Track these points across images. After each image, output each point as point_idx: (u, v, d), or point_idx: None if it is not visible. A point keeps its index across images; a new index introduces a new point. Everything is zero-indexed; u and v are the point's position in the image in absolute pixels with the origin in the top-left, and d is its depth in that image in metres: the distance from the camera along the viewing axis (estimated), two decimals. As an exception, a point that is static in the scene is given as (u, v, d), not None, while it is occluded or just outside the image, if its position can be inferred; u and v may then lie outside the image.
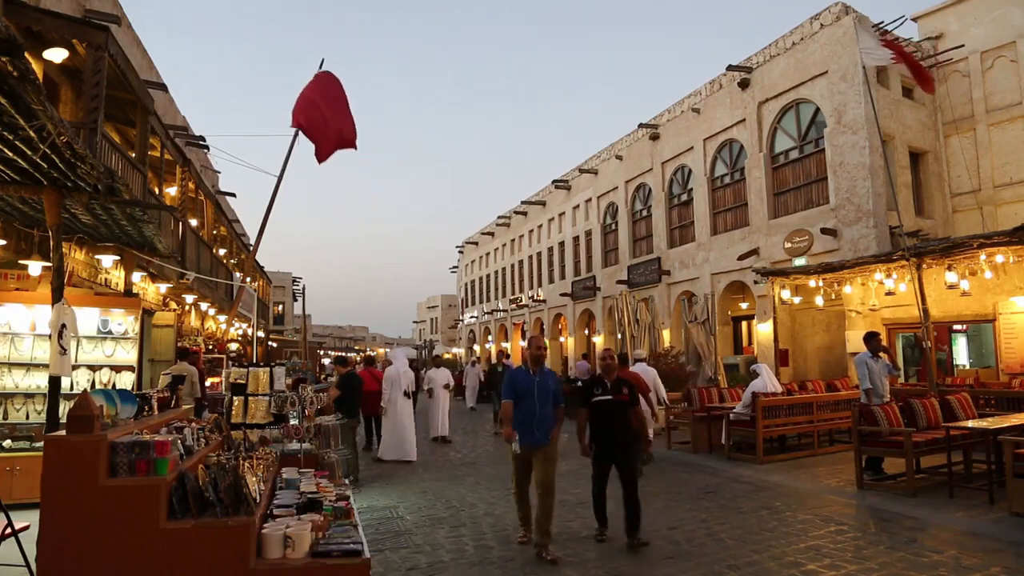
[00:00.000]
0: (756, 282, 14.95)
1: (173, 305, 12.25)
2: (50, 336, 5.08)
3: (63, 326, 5.04)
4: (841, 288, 12.61)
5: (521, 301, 30.94)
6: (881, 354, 8.56)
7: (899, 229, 11.45)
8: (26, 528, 4.10)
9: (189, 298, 12.72)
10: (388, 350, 15.81)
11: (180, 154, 12.13)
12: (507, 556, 5.31)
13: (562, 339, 27.83)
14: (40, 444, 5.73)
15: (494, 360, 27.34)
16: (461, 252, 42.28)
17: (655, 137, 20.20)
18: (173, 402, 4.68)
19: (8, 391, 7.14)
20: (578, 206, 25.76)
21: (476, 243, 38.74)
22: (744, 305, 17.61)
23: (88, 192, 5.02)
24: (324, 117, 10.24)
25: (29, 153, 4.19)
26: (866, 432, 7.67)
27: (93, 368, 7.57)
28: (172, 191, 12.33)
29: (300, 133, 10.76)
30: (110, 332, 7.72)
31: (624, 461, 5.63)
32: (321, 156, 10.36)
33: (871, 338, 8.59)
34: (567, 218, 26.79)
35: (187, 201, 12.78)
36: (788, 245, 14.92)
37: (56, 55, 7.78)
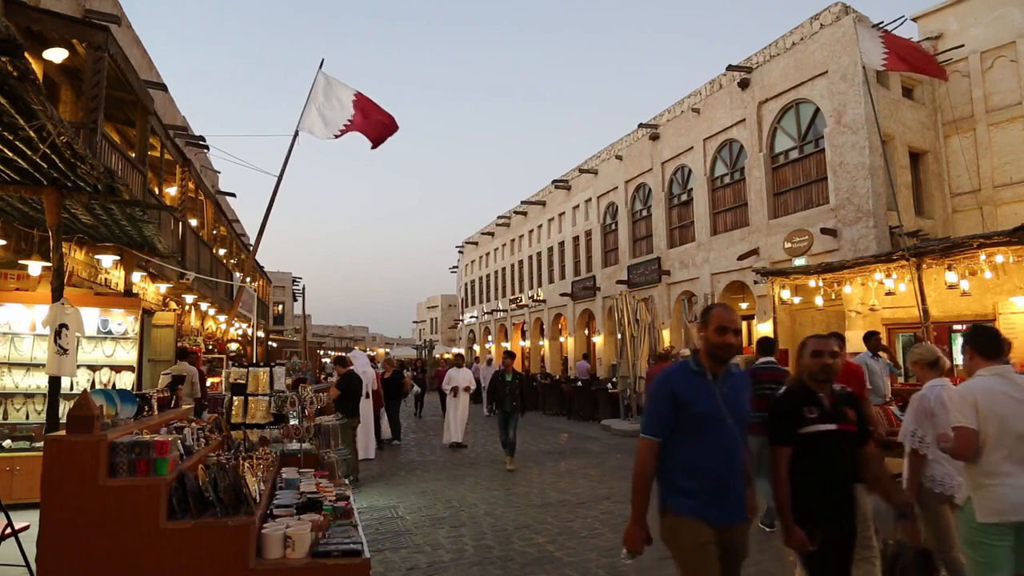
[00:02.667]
0: (756, 282, 14.95)
1: (173, 305, 12.24)
2: (49, 335, 5.08)
3: (62, 326, 5.05)
4: (841, 288, 12.61)
5: (521, 301, 30.93)
6: (881, 353, 8.55)
7: (899, 229, 11.45)
8: (26, 528, 4.11)
9: (189, 298, 12.72)
10: (387, 351, 15.66)
11: (180, 154, 12.13)
12: (507, 556, 5.31)
13: (562, 339, 27.85)
14: (40, 444, 5.74)
15: (494, 362, 24.55)
16: (461, 252, 42.27)
17: (655, 137, 20.20)
18: (173, 402, 4.68)
19: (8, 391, 7.15)
20: (578, 206, 25.76)
21: (476, 243, 38.74)
22: (744, 305, 17.61)
23: (88, 192, 5.02)
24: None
25: (29, 153, 4.19)
26: (866, 432, 7.65)
27: (93, 368, 7.58)
28: (172, 191, 12.33)
29: (299, 133, 11.40)
30: (110, 332, 7.73)
31: (848, 539, 3.06)
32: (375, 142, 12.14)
33: (870, 337, 8.58)
34: (567, 218, 26.79)
35: (187, 201, 12.78)
36: (788, 245, 14.92)
37: (56, 55, 7.78)
